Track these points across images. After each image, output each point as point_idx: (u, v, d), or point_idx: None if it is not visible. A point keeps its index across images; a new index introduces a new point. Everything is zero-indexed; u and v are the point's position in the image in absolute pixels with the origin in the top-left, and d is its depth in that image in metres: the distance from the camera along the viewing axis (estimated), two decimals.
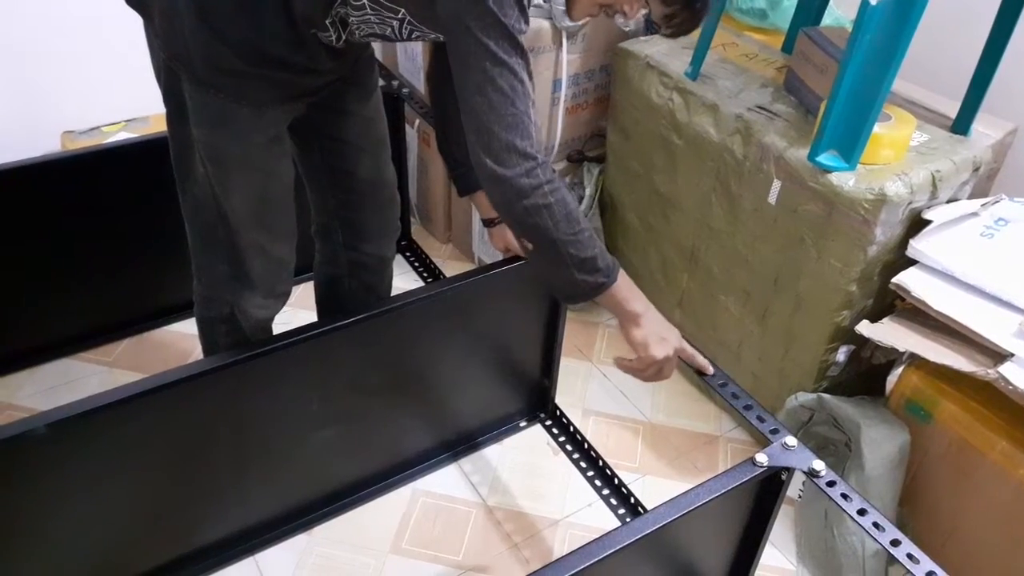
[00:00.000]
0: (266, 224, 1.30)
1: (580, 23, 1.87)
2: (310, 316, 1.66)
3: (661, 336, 1.17)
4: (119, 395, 1.18)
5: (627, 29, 1.95)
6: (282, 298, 1.42)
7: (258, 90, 1.16)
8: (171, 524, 1.41)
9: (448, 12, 1.01)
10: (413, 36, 1.17)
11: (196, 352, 1.90)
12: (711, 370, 1.24)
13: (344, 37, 1.15)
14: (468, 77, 1.02)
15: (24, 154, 1.68)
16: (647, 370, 1.18)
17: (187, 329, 1.96)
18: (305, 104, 1.26)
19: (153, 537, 1.40)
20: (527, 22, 1.04)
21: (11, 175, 1.62)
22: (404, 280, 2.19)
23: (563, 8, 1.84)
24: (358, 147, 1.40)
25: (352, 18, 1.12)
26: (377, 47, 2.24)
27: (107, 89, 1.99)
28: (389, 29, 1.15)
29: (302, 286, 2.06)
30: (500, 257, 1.56)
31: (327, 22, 1.11)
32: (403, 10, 1.11)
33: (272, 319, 1.44)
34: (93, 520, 1.30)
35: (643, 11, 1.12)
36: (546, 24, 1.87)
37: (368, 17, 1.12)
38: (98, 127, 1.99)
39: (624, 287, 1.15)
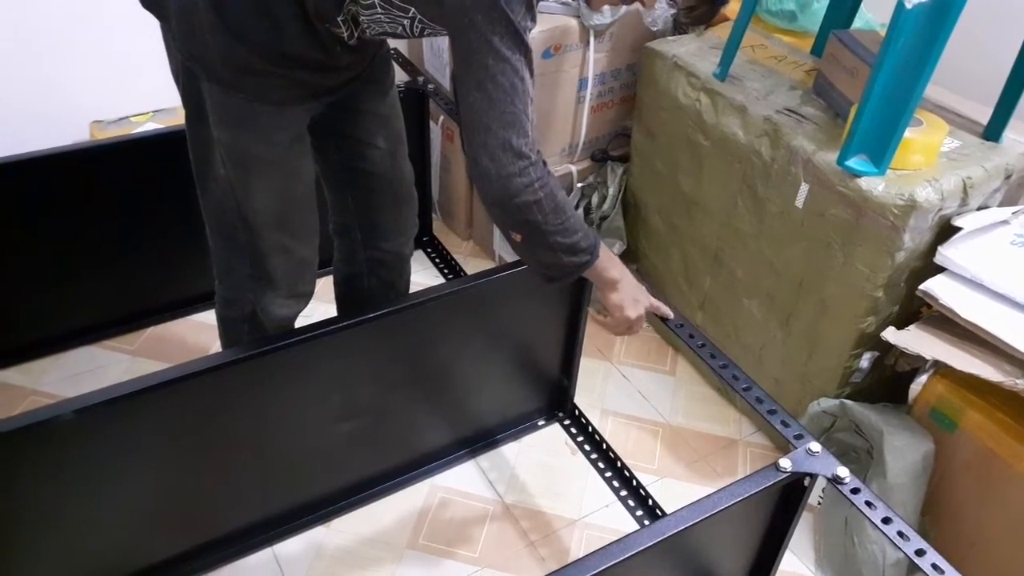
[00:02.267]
0: (288, 224, 1.30)
1: (608, 21, 1.86)
2: (332, 309, 1.67)
3: (635, 298, 1.25)
4: (145, 383, 1.19)
5: (655, 28, 1.94)
6: (305, 297, 1.42)
7: (278, 89, 1.16)
8: (191, 513, 1.42)
9: (455, 6, 1.00)
10: (425, 33, 1.17)
11: (215, 344, 1.91)
12: (671, 314, 1.33)
13: (356, 35, 1.15)
14: (469, 73, 1.02)
15: (54, 143, 1.70)
16: (620, 327, 1.26)
17: (209, 320, 1.96)
18: (324, 103, 1.26)
19: (173, 525, 1.42)
20: (534, 20, 1.04)
21: (41, 163, 1.64)
22: (425, 276, 2.19)
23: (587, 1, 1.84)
24: (374, 145, 1.40)
25: (363, 17, 1.12)
26: (402, 44, 2.25)
27: (136, 80, 2.00)
28: (400, 28, 1.15)
29: (323, 279, 2.07)
30: None
31: (339, 19, 1.11)
32: (413, 9, 1.11)
33: (295, 317, 1.45)
34: (114, 506, 1.31)
35: (662, 3, 1.12)
36: (574, 23, 1.86)
37: (378, 16, 1.12)
38: (126, 117, 2.01)
39: (604, 259, 1.20)
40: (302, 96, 1.21)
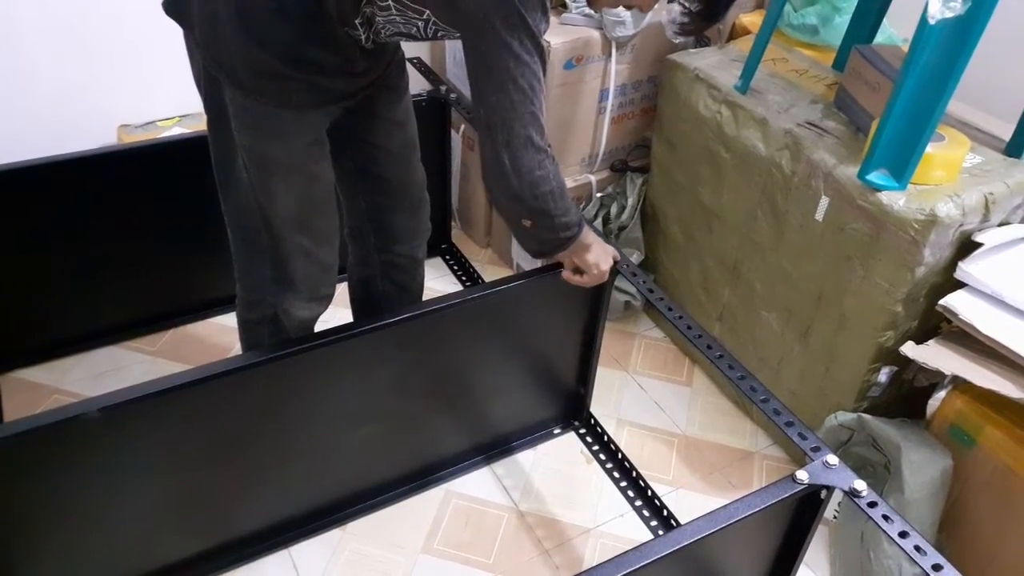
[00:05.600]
0: (309, 227, 1.32)
1: (630, 33, 1.87)
2: (349, 314, 1.69)
3: (604, 251, 1.39)
4: (169, 383, 1.21)
5: (677, 41, 1.95)
6: (325, 300, 1.44)
7: (298, 93, 1.18)
8: (209, 513, 1.44)
9: (473, 10, 1.04)
10: (439, 36, 1.19)
11: (235, 346, 1.93)
12: (618, 256, 1.44)
13: (371, 37, 1.17)
14: (491, 75, 1.07)
15: (81, 146, 1.73)
16: (597, 279, 1.39)
17: (228, 322, 1.99)
18: (343, 108, 1.28)
19: (191, 525, 1.43)
20: (547, 22, 1.08)
21: (69, 165, 1.67)
22: (443, 283, 2.20)
23: (614, 18, 1.85)
24: (388, 150, 1.42)
25: (378, 17, 1.14)
26: (425, 52, 2.27)
27: (163, 85, 2.03)
28: (415, 28, 1.17)
29: (342, 285, 2.09)
30: (539, 264, 1.57)
31: (357, 21, 1.13)
32: (427, 11, 1.13)
33: (316, 320, 1.46)
34: (134, 505, 1.32)
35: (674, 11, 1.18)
36: (596, 34, 1.88)
37: (393, 17, 1.14)
38: (153, 122, 2.04)
39: (585, 228, 1.31)
40: (321, 100, 1.23)
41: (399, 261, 1.56)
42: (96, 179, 1.72)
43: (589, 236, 1.34)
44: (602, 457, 1.77)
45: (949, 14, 1.21)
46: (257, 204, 1.28)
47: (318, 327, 1.44)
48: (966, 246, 1.42)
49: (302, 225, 1.31)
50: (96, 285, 1.84)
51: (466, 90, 2.10)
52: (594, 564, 0.98)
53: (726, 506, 1.05)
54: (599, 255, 1.37)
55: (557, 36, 1.84)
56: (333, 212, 1.36)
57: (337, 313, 1.69)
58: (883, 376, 1.55)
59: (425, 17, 1.14)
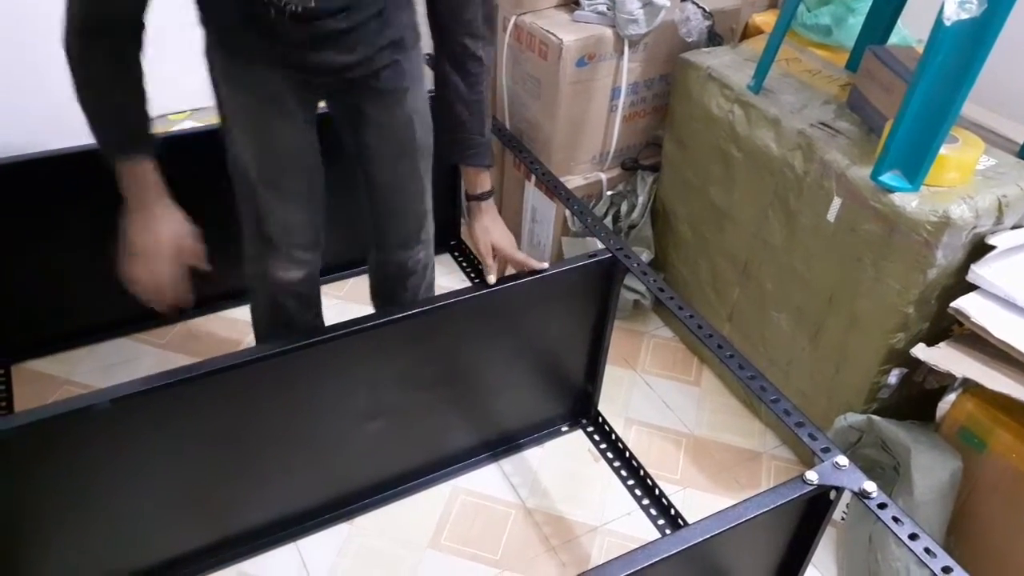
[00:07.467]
0: (270, 181, 1.35)
1: (643, 31, 1.87)
2: (362, 310, 1.69)
3: (139, 252, 1.24)
4: (179, 375, 1.22)
5: (689, 40, 1.94)
6: (303, 264, 1.44)
7: (242, 44, 1.23)
8: (217, 506, 1.44)
9: None
10: None
11: (244, 340, 1.94)
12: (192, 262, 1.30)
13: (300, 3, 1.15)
14: None
15: (93, 139, 1.73)
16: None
17: (237, 316, 2.00)
18: (307, 83, 1.28)
19: (198, 517, 1.44)
20: None
21: (79, 158, 1.67)
22: (452, 280, 2.20)
23: (627, 16, 1.85)
24: (377, 152, 1.41)
25: None
26: None
27: (174, 79, 2.03)
28: None
29: (352, 280, 2.10)
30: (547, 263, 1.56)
31: None
32: None
33: (297, 284, 1.45)
34: (142, 497, 1.33)
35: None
36: (609, 32, 1.87)
37: None
38: (165, 115, 2.05)
39: (128, 178, 1.23)
40: (267, 59, 1.24)
41: (386, 260, 1.56)
42: (107, 171, 1.72)
43: (131, 200, 1.24)
44: (610, 455, 1.77)
45: (965, 15, 1.21)
46: (234, 154, 1.34)
47: (330, 321, 1.44)
48: (978, 249, 1.41)
49: (263, 177, 1.34)
50: (106, 277, 1.83)
51: None
52: (601, 562, 0.98)
53: (735, 506, 1.05)
54: (130, 248, 1.24)
55: (569, 34, 1.84)
56: (298, 172, 1.37)
57: (351, 308, 1.70)
58: (893, 378, 1.55)
59: None
